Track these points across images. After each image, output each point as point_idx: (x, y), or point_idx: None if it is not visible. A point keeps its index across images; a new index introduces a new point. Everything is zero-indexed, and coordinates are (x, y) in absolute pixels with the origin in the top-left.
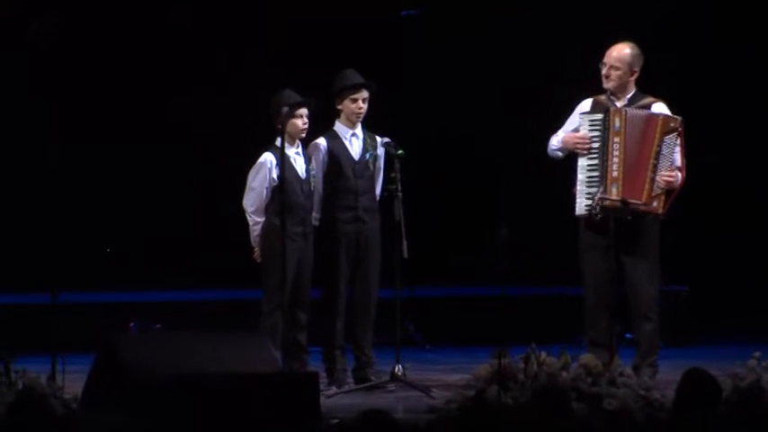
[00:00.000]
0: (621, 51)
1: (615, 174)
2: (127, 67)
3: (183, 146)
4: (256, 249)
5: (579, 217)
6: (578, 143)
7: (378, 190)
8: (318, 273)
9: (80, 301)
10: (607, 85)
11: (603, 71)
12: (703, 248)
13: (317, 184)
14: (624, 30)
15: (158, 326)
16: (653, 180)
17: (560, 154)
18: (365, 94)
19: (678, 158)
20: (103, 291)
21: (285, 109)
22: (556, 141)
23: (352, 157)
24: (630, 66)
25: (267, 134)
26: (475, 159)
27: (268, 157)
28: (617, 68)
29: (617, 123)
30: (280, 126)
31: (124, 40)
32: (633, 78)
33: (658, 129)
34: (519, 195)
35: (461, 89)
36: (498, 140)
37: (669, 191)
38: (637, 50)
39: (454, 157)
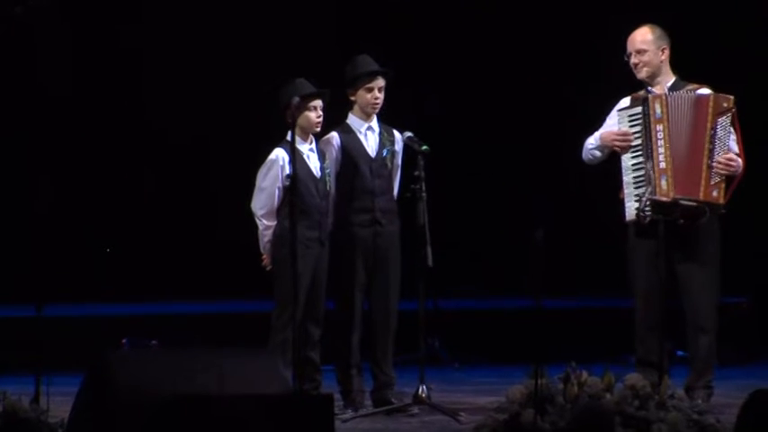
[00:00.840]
0: (644, 35)
1: (663, 165)
2: (121, 62)
3: (183, 142)
4: (266, 256)
5: (629, 223)
6: (617, 140)
7: (395, 190)
8: (331, 282)
9: (67, 314)
10: (640, 74)
11: (632, 61)
12: (766, 252)
13: (332, 184)
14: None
15: (154, 342)
16: (710, 167)
17: (598, 154)
18: (381, 82)
19: (734, 144)
20: (93, 303)
21: (296, 99)
22: (593, 140)
23: (367, 154)
24: (657, 44)
25: (277, 129)
26: (506, 154)
27: (279, 154)
28: (643, 51)
29: (658, 110)
30: (290, 119)
31: (117, 34)
32: (664, 58)
33: (710, 109)
34: (557, 196)
35: (489, 77)
36: (533, 133)
37: (729, 179)
38: (659, 29)
39: (482, 153)
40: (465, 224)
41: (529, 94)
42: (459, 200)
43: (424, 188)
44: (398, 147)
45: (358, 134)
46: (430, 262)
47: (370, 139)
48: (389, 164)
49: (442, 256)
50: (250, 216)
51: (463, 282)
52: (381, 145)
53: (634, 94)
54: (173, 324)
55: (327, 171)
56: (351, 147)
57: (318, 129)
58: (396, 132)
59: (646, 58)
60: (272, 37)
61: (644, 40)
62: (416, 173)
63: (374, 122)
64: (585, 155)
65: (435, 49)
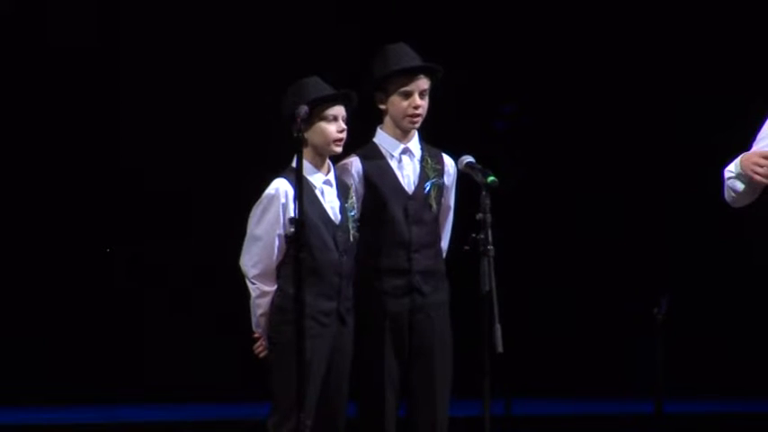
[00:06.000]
0: None
1: None
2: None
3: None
4: (260, 336)
5: None
6: (760, 163)
7: (445, 243)
8: (352, 376)
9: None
10: None
11: None
12: None
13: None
14: None
15: None
16: None
17: (740, 186)
18: (424, 83)
19: None
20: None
21: (303, 109)
22: (733, 167)
23: (402, 189)
24: None
25: (279, 152)
26: (612, 190)
27: (281, 187)
28: None
29: None
30: (297, 134)
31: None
32: None
33: None
34: (687, 253)
35: (586, 76)
36: (648, 159)
37: None
38: None
39: (575, 187)
40: (550, 292)
41: (647, 102)
42: (541, 256)
43: (490, 239)
44: (449, 179)
45: (389, 159)
46: (499, 347)
47: (406, 166)
48: (435, 204)
49: (516, 338)
50: (238, 279)
51: (547, 376)
52: (423, 176)
53: None
54: None
55: (351, 214)
56: (377, 178)
57: (339, 149)
58: (446, 158)
59: None
60: (270, 20)
61: None
62: (479, 216)
63: (414, 142)
64: (726, 191)
65: (509, 35)
